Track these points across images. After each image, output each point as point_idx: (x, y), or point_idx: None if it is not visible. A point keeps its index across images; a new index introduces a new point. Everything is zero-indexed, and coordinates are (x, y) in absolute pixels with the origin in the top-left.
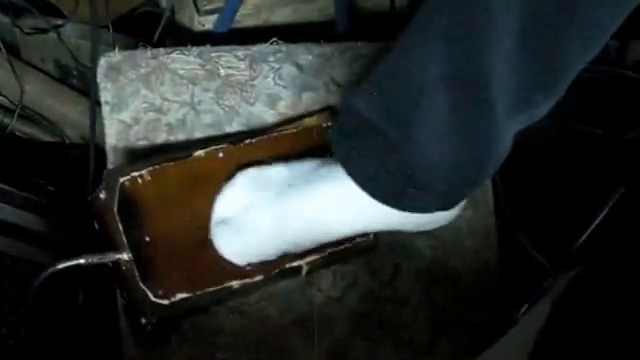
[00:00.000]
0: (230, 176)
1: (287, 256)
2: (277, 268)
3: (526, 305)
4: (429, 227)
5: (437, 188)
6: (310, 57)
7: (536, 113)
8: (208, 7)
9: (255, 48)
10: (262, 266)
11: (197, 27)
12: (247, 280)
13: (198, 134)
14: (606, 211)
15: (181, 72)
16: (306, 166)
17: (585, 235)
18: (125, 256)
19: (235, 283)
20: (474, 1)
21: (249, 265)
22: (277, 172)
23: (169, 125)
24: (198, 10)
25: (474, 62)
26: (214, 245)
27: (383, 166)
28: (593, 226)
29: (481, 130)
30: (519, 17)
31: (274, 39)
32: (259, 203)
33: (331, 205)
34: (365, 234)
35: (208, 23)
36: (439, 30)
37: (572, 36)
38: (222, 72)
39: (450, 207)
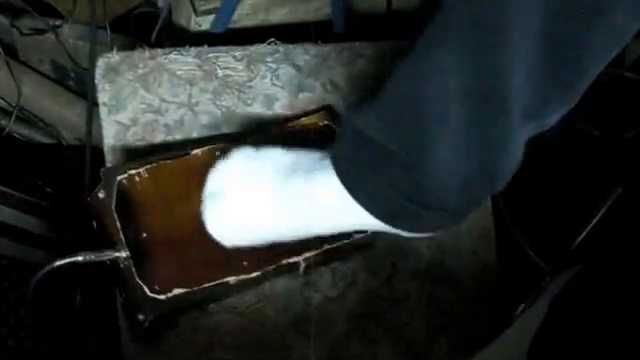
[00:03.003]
0: None
1: (283, 251)
2: (274, 264)
3: (523, 305)
4: (426, 234)
5: (449, 206)
6: (307, 58)
7: (546, 122)
8: (205, 7)
9: (252, 48)
10: (259, 262)
11: (194, 27)
12: (243, 276)
13: (196, 135)
14: (604, 211)
15: (179, 73)
16: (310, 155)
17: (583, 235)
18: (123, 254)
19: (231, 279)
20: (492, 14)
21: (245, 261)
22: (277, 155)
23: (167, 126)
24: (195, 10)
25: (493, 74)
26: (203, 220)
27: (393, 189)
28: (591, 226)
29: (496, 142)
30: (538, 18)
31: (271, 39)
32: (256, 182)
33: (332, 198)
34: (363, 230)
35: (205, 23)
36: (457, 43)
37: (591, 45)
38: (220, 73)
39: (460, 222)
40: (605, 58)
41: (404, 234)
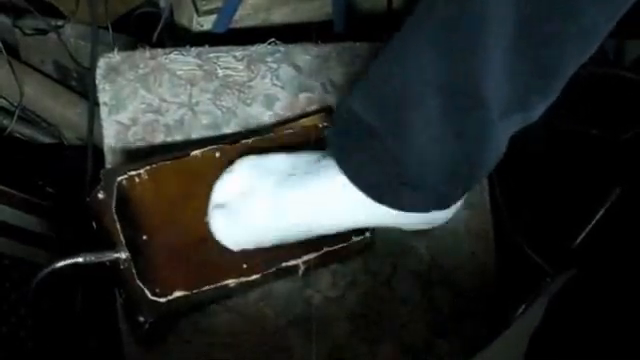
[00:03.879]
0: None
1: (282, 254)
2: (274, 267)
3: (523, 306)
4: (425, 226)
5: (431, 188)
6: (308, 58)
7: (531, 115)
8: (207, 7)
9: (253, 48)
10: (259, 265)
11: (196, 27)
12: (244, 279)
13: (196, 135)
14: (603, 212)
15: (179, 73)
16: (307, 157)
17: (582, 236)
18: (123, 255)
19: (232, 281)
20: (467, 5)
21: (245, 263)
22: (278, 160)
23: (167, 126)
24: (197, 10)
25: (465, 65)
26: (210, 230)
27: (378, 166)
28: (590, 227)
29: (474, 131)
30: (513, 21)
31: (272, 39)
32: (258, 189)
33: (330, 197)
34: (362, 233)
35: (207, 23)
36: (431, 33)
37: (566, 39)
38: (220, 73)
39: (446, 207)
40: (579, 58)
41: (399, 224)
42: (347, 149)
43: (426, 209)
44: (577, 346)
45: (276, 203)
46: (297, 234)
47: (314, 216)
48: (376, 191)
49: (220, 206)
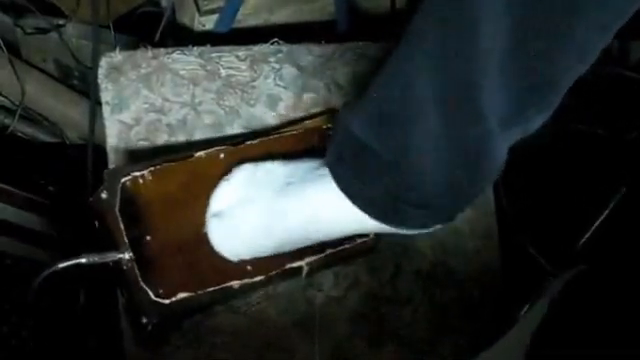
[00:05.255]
0: None
1: (286, 256)
2: (277, 269)
3: (527, 306)
4: (426, 230)
5: (434, 204)
6: (311, 58)
7: (530, 127)
8: (209, 7)
9: (256, 48)
10: (262, 266)
11: (198, 27)
12: (247, 280)
13: (199, 135)
14: (607, 212)
15: (182, 72)
16: (305, 165)
17: (586, 236)
18: (126, 256)
19: (235, 283)
20: (463, 18)
21: (249, 265)
22: (275, 169)
23: (170, 126)
24: (199, 10)
25: (463, 77)
26: (209, 239)
27: (380, 187)
28: (594, 227)
29: (474, 144)
30: (508, 34)
31: (275, 39)
32: (256, 198)
33: (329, 205)
34: (366, 234)
35: (209, 23)
36: (428, 47)
37: (562, 53)
38: (223, 73)
39: (446, 221)
40: (578, 66)
41: (402, 232)
42: (349, 173)
43: (430, 225)
44: (579, 345)
45: (274, 212)
46: (295, 243)
47: (312, 225)
48: (382, 213)
49: (217, 215)
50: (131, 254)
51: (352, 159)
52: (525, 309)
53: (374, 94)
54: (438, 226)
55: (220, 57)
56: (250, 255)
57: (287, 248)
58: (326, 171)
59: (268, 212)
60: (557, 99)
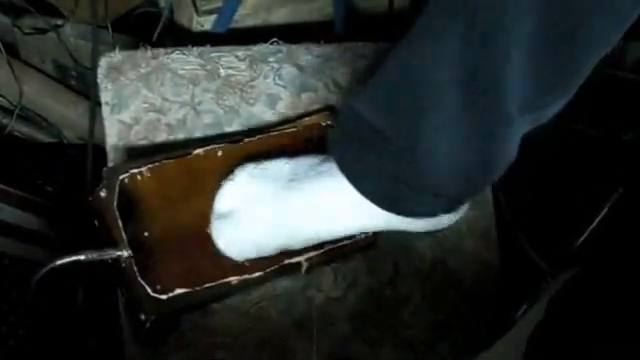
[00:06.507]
0: (229, 174)
1: (286, 252)
2: (276, 264)
3: (525, 306)
4: (430, 229)
5: (443, 192)
6: (310, 57)
7: (544, 114)
8: (207, 7)
9: (255, 48)
10: (261, 262)
11: (196, 27)
12: (246, 276)
13: (198, 134)
14: (605, 212)
15: (181, 72)
16: (307, 162)
17: (584, 236)
18: (125, 253)
19: (234, 279)
20: (490, 2)
21: (248, 261)
22: (277, 166)
23: (169, 125)
24: (197, 10)
25: (489, 61)
26: (213, 240)
27: (387, 172)
28: (592, 227)
29: (493, 129)
30: (535, 18)
31: (274, 39)
32: (259, 197)
33: (331, 202)
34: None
35: (207, 23)
36: (454, 31)
37: (587, 37)
38: (222, 72)
39: (454, 210)
40: (600, 51)
41: (403, 227)
42: (351, 156)
43: (435, 214)
44: (576, 345)
45: (276, 210)
46: (300, 241)
47: (316, 222)
48: (383, 198)
49: (222, 216)
50: (130, 251)
51: (362, 146)
52: (523, 309)
53: (384, 77)
54: (442, 224)
55: (219, 57)
56: (257, 255)
57: (292, 246)
58: (329, 166)
59: (274, 212)
60: (577, 84)
